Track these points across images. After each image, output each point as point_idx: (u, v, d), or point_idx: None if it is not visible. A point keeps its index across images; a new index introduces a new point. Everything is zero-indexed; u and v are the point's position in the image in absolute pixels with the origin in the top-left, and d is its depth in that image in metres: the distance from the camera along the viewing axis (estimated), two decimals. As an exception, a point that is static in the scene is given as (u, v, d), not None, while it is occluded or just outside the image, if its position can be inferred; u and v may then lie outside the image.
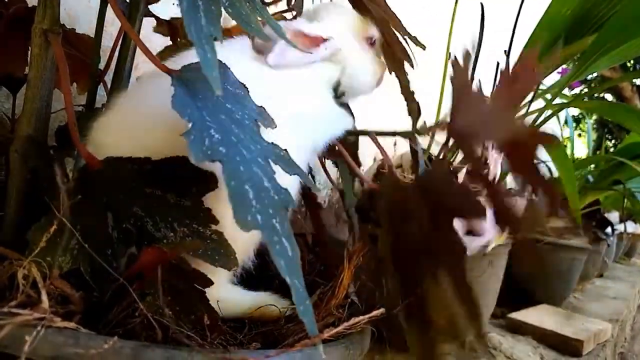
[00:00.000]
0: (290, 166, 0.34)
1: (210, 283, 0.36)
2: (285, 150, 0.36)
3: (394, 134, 0.62)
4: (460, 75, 0.51)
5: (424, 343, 0.48)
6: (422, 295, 0.49)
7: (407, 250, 0.51)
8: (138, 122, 0.43)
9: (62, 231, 0.35)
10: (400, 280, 0.52)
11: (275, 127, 0.39)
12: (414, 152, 0.67)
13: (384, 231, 0.53)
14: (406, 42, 0.65)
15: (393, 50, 0.64)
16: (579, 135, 2.35)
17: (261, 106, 0.38)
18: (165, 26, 0.59)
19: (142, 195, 0.36)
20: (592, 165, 1.95)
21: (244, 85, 0.38)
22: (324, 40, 0.54)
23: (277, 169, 0.34)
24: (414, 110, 0.69)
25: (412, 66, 0.68)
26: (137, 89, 0.51)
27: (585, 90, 2.70)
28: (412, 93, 0.69)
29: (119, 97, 0.48)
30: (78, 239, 0.35)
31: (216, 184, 0.37)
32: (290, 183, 0.39)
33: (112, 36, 0.61)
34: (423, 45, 0.66)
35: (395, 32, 0.64)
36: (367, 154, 1.34)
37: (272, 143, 0.36)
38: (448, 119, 0.58)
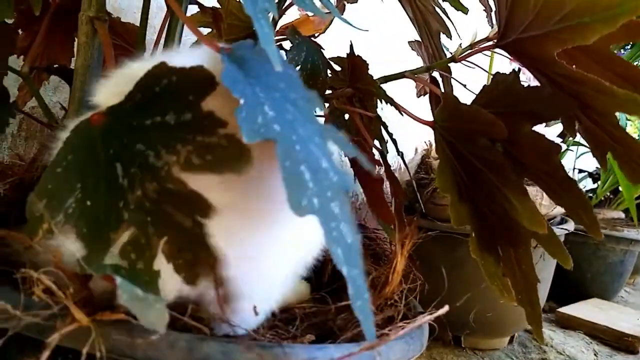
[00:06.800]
0: (348, 147, 0.32)
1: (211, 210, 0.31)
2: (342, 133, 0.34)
3: (428, 68, 0.59)
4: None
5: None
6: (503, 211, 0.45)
7: (475, 171, 0.47)
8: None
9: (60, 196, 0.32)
10: (470, 205, 0.49)
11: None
12: (448, 83, 0.63)
13: (442, 161, 0.50)
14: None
15: (426, 20, 0.60)
16: (627, 119, 2.23)
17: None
18: (209, 13, 0.57)
19: (144, 130, 0.33)
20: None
21: (293, 67, 0.36)
22: None
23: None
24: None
25: (449, 36, 0.64)
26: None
27: None
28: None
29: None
30: (75, 198, 0.31)
31: (213, 82, 0.31)
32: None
33: (155, 30, 0.61)
34: (466, 8, 0.62)
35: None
36: (408, 147, 1.31)
37: (328, 125, 0.33)
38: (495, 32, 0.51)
